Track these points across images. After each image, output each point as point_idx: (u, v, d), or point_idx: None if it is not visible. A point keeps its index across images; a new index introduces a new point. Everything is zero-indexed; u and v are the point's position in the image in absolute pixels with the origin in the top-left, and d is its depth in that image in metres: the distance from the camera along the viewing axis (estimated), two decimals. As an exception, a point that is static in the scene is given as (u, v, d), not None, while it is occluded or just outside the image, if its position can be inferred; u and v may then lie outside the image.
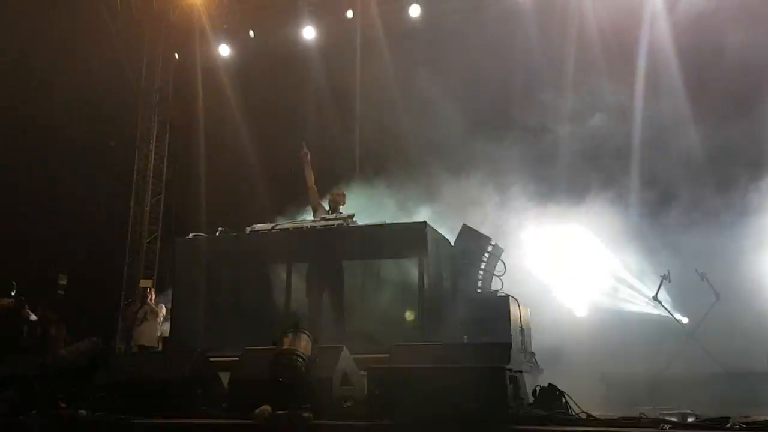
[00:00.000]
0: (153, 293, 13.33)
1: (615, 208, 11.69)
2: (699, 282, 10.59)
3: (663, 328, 10.79)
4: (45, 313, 11.88)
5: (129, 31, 17.27)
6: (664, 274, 10.69)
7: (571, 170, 12.55)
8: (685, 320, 10.85)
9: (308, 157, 9.41)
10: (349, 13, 16.23)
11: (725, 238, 10.78)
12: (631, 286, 11.46)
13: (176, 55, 18.50)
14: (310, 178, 9.34)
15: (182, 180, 18.19)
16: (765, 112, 11.58)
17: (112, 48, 16.58)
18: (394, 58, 15.41)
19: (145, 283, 14.82)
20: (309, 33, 16.59)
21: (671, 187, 12.06)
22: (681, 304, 10.96)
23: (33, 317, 11.89)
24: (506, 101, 13.80)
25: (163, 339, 11.48)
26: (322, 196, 9.27)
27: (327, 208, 9.09)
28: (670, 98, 12.76)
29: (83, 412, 5.47)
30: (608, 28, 13.61)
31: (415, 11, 15.66)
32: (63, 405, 5.71)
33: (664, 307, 10.83)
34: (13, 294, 11.99)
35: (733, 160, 11.67)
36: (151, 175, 17.85)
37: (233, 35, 17.43)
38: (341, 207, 9.14)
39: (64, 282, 14.94)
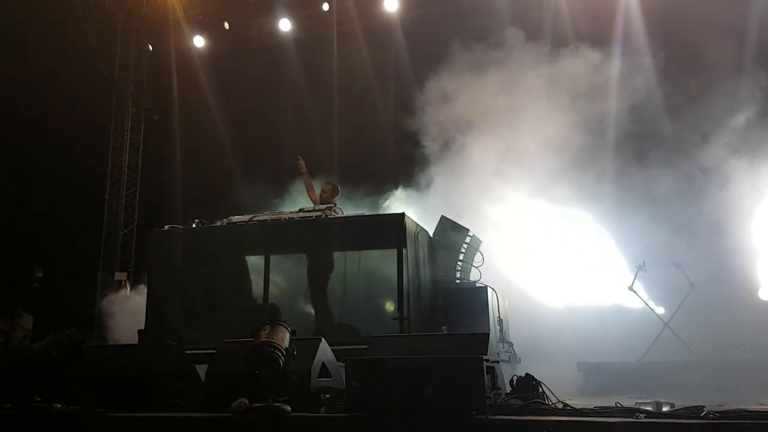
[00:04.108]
0: (128, 285, 13.24)
1: (590, 198, 11.70)
2: (674, 271, 10.69)
3: (638, 317, 10.87)
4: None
5: (101, 21, 17.10)
6: (640, 264, 10.78)
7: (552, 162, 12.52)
8: (660, 309, 10.93)
9: (302, 164, 9.82)
10: (325, 6, 16.18)
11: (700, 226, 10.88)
12: (607, 276, 11.51)
13: (150, 47, 18.36)
14: (308, 186, 9.82)
15: (158, 171, 18.09)
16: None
17: (85, 39, 16.40)
18: (370, 51, 15.42)
19: (120, 275, 14.68)
20: (285, 25, 16.53)
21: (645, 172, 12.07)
22: (656, 294, 11.04)
23: None
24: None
25: (139, 332, 11.39)
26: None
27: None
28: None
29: (57, 405, 5.41)
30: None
31: (391, 4, 15.60)
32: (37, 398, 5.65)
33: (639, 297, 10.91)
34: None
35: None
36: (126, 166, 17.71)
37: (208, 27, 17.33)
38: (335, 199, 9.19)
39: (40, 275, 14.81)
